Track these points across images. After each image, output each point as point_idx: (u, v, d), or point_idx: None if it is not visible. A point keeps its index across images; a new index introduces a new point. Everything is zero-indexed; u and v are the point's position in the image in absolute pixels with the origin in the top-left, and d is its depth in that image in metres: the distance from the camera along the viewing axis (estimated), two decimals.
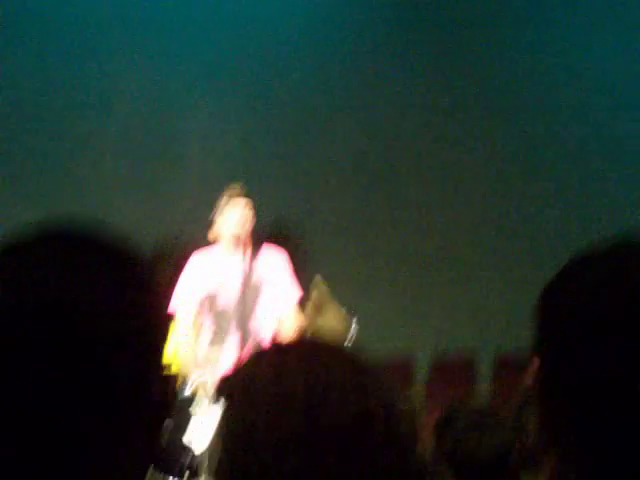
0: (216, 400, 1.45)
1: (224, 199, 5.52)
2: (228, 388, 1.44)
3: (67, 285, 0.93)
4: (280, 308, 5.50)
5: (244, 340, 5.25)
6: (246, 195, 5.52)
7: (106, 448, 0.94)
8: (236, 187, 5.57)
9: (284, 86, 10.26)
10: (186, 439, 4.96)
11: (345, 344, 2.28)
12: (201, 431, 4.27)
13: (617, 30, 10.69)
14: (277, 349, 1.49)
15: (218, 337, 5.40)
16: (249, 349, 5.09)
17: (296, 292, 5.62)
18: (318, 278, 5.81)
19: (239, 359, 5.09)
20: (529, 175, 10.48)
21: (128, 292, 0.98)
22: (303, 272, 9.13)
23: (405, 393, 8.80)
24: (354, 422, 1.35)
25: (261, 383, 1.38)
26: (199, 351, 5.36)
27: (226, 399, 1.42)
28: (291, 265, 5.72)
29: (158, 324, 1.02)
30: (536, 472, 2.28)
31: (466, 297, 10.07)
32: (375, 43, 10.42)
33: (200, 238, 9.14)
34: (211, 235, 5.57)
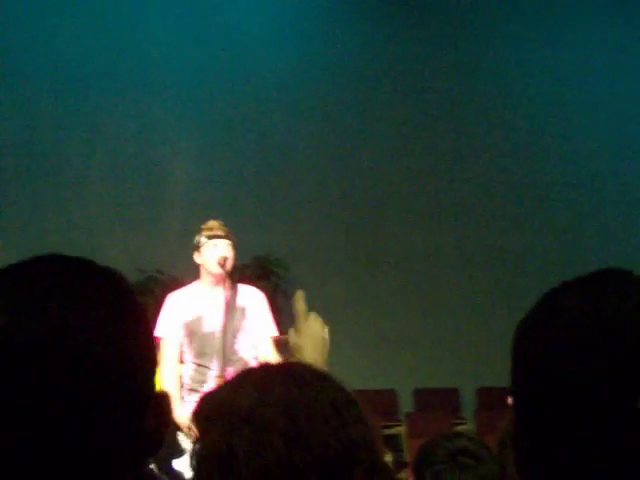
0: (193, 421, 1.39)
1: (202, 239, 5.47)
2: (207, 410, 1.38)
3: (61, 310, 0.94)
4: (257, 344, 5.48)
5: (227, 365, 5.22)
6: (226, 231, 5.47)
7: (100, 473, 0.93)
8: (214, 225, 5.52)
9: (269, 125, 10.31)
10: (177, 464, 4.92)
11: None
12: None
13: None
14: (260, 372, 1.46)
15: (201, 362, 5.36)
16: (231, 374, 5.04)
17: (273, 330, 5.60)
18: (300, 294, 5.79)
19: (221, 381, 5.05)
20: (518, 214, 10.55)
21: (122, 319, 0.99)
22: (283, 310, 9.15)
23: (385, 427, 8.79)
24: (336, 454, 1.32)
25: (242, 407, 1.34)
26: (183, 377, 5.34)
27: (204, 424, 1.37)
28: (269, 305, 5.70)
29: (149, 352, 1.02)
30: None
31: (448, 334, 10.09)
32: (362, 87, 10.50)
33: (182, 275, 9.18)
34: (197, 259, 5.54)
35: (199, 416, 1.40)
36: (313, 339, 2.31)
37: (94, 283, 1.01)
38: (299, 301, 2.37)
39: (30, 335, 0.92)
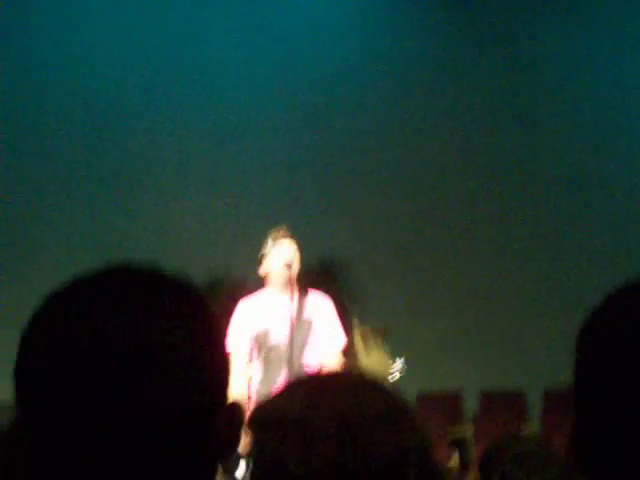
0: (247, 428, 1.38)
1: (269, 241, 5.49)
2: (260, 419, 1.40)
3: (136, 320, 0.96)
4: (325, 352, 5.46)
5: (293, 376, 5.22)
6: (291, 236, 5.48)
7: (173, 478, 0.96)
8: (280, 229, 5.54)
9: (334, 127, 10.32)
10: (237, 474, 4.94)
11: (388, 381, 2.28)
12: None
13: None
14: (312, 380, 1.48)
15: (269, 375, 5.37)
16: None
17: (341, 337, 5.58)
18: (356, 322, 5.80)
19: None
20: (577, 215, 10.43)
21: (196, 325, 1.01)
22: (347, 314, 9.16)
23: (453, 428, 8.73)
24: (387, 461, 1.31)
25: (293, 415, 1.34)
26: (251, 390, 5.36)
27: (257, 431, 1.38)
28: (337, 311, 5.68)
29: (222, 357, 1.04)
30: None
31: (514, 335, 10.00)
32: (424, 83, 10.47)
33: (247, 280, 9.24)
34: (262, 271, 5.54)
35: (253, 423, 1.40)
36: (376, 370, 2.33)
37: (167, 292, 1.03)
38: (358, 339, 2.38)
39: (108, 342, 0.95)
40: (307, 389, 1.42)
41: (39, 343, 0.97)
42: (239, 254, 9.38)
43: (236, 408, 1.06)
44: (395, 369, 5.65)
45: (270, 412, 1.40)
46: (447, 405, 9.50)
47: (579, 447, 1.04)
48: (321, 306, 5.57)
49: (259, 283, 5.70)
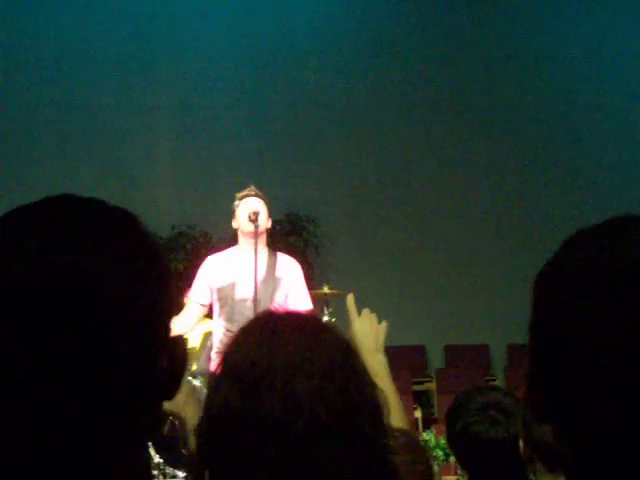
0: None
1: (236, 202, 5.49)
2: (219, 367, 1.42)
3: (78, 247, 0.92)
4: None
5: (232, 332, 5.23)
6: (258, 194, 5.47)
7: (114, 415, 0.92)
8: (249, 188, 5.54)
9: (301, 80, 10.30)
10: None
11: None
12: None
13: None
14: (268, 325, 1.48)
15: (232, 329, 5.37)
16: None
17: (308, 302, 5.60)
18: (351, 297, 5.79)
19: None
20: (549, 168, 10.49)
21: (136, 260, 0.96)
22: (313, 265, 9.20)
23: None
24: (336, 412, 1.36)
25: (245, 365, 1.37)
26: (214, 340, 5.38)
27: (213, 379, 1.41)
28: (310, 279, 5.69)
29: (165, 294, 0.99)
30: (548, 462, 2.22)
31: (478, 290, 10.08)
32: (395, 47, 10.45)
33: (212, 229, 9.26)
34: (233, 225, 5.54)
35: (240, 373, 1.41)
36: (368, 338, 2.34)
37: (109, 223, 0.99)
38: (350, 305, 2.38)
39: (42, 276, 0.90)
40: (262, 335, 1.43)
41: None
42: (205, 211, 9.40)
43: (178, 343, 1.01)
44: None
45: (228, 360, 1.42)
46: (412, 358, 9.57)
47: (534, 395, 1.04)
48: (290, 268, 5.58)
49: (224, 239, 5.69)
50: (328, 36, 10.40)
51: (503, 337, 9.77)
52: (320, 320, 1.53)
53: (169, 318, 1.01)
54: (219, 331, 5.41)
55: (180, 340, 1.02)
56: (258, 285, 5.33)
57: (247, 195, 5.46)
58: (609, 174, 10.43)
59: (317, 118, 10.29)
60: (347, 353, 1.42)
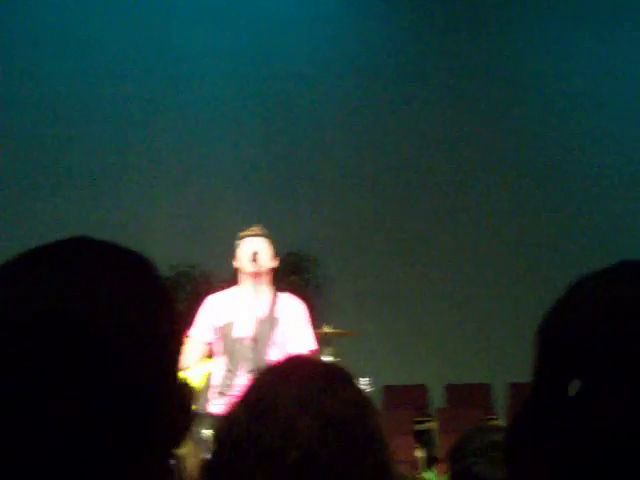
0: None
1: (237, 241, 5.48)
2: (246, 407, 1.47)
3: (82, 291, 0.91)
4: (294, 351, 5.42)
5: (257, 370, 5.19)
6: (263, 234, 5.45)
7: (121, 463, 0.90)
8: (254, 227, 5.53)
9: (300, 119, 10.33)
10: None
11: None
12: None
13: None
14: (283, 368, 1.58)
15: (232, 368, 5.35)
16: None
17: (312, 341, 5.54)
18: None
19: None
20: (554, 203, 10.49)
21: (146, 300, 0.95)
22: (315, 305, 9.17)
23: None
24: (356, 447, 1.43)
25: (270, 403, 1.44)
26: (214, 380, 5.35)
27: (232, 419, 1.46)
28: (310, 318, 5.64)
29: (173, 340, 0.98)
30: None
31: (480, 329, 10.06)
32: (396, 81, 10.49)
33: (213, 269, 9.26)
34: (234, 264, 5.52)
35: (250, 403, 1.50)
36: None
37: (121, 266, 0.98)
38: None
39: (50, 320, 0.89)
40: (276, 377, 1.53)
41: None
42: (206, 250, 9.40)
43: (186, 390, 0.99)
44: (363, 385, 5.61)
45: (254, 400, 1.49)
46: (413, 398, 9.54)
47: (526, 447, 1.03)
48: (290, 307, 5.54)
49: (225, 279, 5.69)
50: (328, 78, 10.44)
51: (505, 376, 9.74)
52: (345, 374, 1.57)
53: (175, 363, 0.99)
54: (219, 370, 5.39)
55: (187, 389, 1.00)
56: (257, 324, 5.31)
57: (248, 235, 5.47)
58: (619, 215, 10.44)
59: (318, 159, 10.32)
60: (361, 408, 1.49)
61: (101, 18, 10.18)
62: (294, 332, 5.42)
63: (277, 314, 5.42)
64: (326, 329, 5.73)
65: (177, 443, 0.98)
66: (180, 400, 0.98)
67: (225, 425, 1.46)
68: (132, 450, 0.92)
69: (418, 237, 10.33)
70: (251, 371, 5.21)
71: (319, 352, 5.60)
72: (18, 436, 0.88)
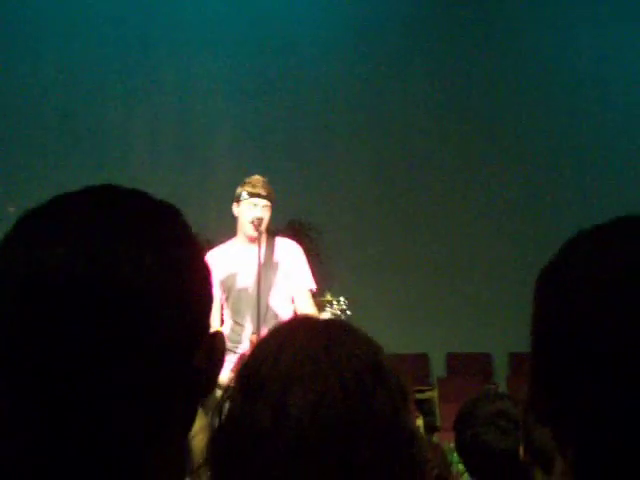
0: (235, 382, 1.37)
1: (244, 193, 5.42)
2: (247, 371, 1.37)
3: (116, 238, 0.89)
4: (294, 297, 5.46)
5: (261, 321, 5.20)
6: (268, 192, 5.41)
7: (145, 410, 0.90)
8: (258, 182, 5.46)
9: (305, 88, 10.31)
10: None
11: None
12: None
13: None
14: (297, 328, 1.43)
15: (237, 319, 5.36)
16: (266, 330, 5.08)
17: (310, 280, 5.57)
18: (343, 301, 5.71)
19: (255, 339, 5.06)
20: (552, 177, 10.48)
21: (175, 253, 0.93)
22: (316, 274, 9.17)
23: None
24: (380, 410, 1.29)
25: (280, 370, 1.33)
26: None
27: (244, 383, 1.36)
28: (304, 252, 5.66)
29: (204, 288, 0.97)
30: (547, 468, 2.21)
31: (481, 298, 10.07)
32: (399, 56, 10.46)
33: (215, 237, 9.24)
34: (234, 212, 5.50)
35: (243, 378, 1.38)
36: None
37: (149, 214, 0.97)
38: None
39: (78, 265, 0.88)
40: (287, 339, 1.40)
41: (1, 271, 0.90)
42: (206, 217, 9.38)
43: (217, 340, 0.99)
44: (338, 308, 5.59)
45: (258, 367, 1.37)
46: (414, 366, 9.56)
47: (536, 397, 1.03)
48: (289, 249, 5.58)
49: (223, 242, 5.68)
50: (333, 45, 10.40)
51: (505, 345, 9.76)
52: (347, 333, 1.42)
53: (207, 314, 0.98)
54: (227, 327, 5.39)
55: (218, 337, 0.99)
56: (258, 271, 5.32)
57: (257, 195, 5.42)
58: (614, 181, 10.42)
59: (321, 127, 10.30)
60: (362, 377, 1.35)
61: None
62: (294, 274, 5.45)
63: (276, 258, 5.44)
64: (328, 297, 5.73)
65: (206, 391, 0.98)
66: (210, 348, 0.97)
67: (222, 403, 1.37)
68: (159, 396, 0.92)
69: (420, 206, 10.32)
70: (253, 333, 5.22)
71: (318, 292, 5.63)
72: (60, 394, 0.88)
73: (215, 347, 0.98)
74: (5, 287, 0.89)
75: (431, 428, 8.62)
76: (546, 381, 1.01)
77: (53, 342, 0.87)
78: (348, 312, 5.43)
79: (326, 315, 5.32)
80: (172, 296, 0.91)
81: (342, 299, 5.50)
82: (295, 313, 5.35)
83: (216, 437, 1.36)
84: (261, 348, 1.41)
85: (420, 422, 8.68)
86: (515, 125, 10.56)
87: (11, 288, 0.88)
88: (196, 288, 0.96)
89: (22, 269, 0.89)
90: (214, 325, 5.24)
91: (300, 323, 1.47)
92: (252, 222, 5.34)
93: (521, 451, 2.23)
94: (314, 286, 5.55)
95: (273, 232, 5.67)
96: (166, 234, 0.96)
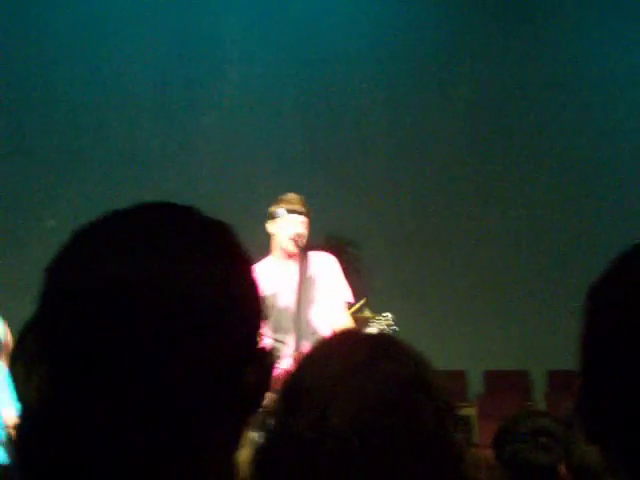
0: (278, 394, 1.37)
1: (281, 210, 5.45)
2: (294, 385, 1.38)
3: (166, 255, 0.91)
4: (332, 308, 5.47)
5: (301, 337, 5.22)
6: (306, 210, 5.43)
7: (197, 429, 0.91)
8: (295, 199, 5.48)
9: (344, 103, 10.31)
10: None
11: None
12: None
13: None
14: (343, 343, 1.43)
15: (279, 335, 5.37)
16: (307, 346, 5.10)
17: (347, 292, 5.58)
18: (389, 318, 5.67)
19: (297, 355, 5.09)
20: (581, 202, 10.41)
21: (227, 269, 0.95)
22: (355, 289, 9.17)
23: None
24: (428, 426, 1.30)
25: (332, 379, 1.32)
26: None
27: (293, 396, 1.36)
28: (342, 268, 5.67)
29: (255, 305, 0.98)
30: None
31: (519, 315, 10.01)
32: (439, 71, 10.45)
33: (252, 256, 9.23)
34: (269, 229, 5.51)
35: (286, 392, 1.38)
36: None
37: (203, 233, 0.99)
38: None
39: (136, 280, 0.90)
40: (340, 353, 1.39)
41: (61, 284, 0.92)
42: (246, 229, 9.40)
43: (267, 356, 1.00)
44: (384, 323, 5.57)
45: (308, 381, 1.38)
46: (451, 383, 9.50)
47: (584, 414, 1.01)
48: (324, 262, 5.59)
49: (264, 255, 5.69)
50: (374, 62, 10.40)
51: (544, 363, 9.70)
52: (392, 346, 1.42)
53: (257, 330, 1.00)
54: (267, 342, 5.41)
55: (268, 353, 1.01)
56: (297, 288, 5.33)
57: (296, 211, 5.44)
58: None
59: (360, 141, 10.30)
60: (406, 390, 1.35)
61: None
62: (331, 286, 5.46)
63: (313, 273, 5.45)
64: (367, 313, 5.73)
65: (254, 410, 0.99)
66: (260, 366, 0.98)
67: (265, 418, 1.36)
68: (213, 415, 0.93)
69: (459, 223, 10.29)
70: (294, 352, 5.24)
71: (354, 304, 5.63)
72: (107, 398, 0.90)
73: (265, 363, 1.00)
74: (66, 302, 0.91)
75: (469, 445, 8.58)
76: (596, 399, 0.99)
77: (111, 355, 0.89)
78: (395, 327, 5.43)
79: (372, 330, 5.32)
80: (224, 311, 0.93)
81: (388, 314, 5.50)
82: (332, 326, 5.36)
83: (261, 451, 1.36)
84: (305, 362, 1.43)
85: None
86: (556, 151, 10.50)
87: (72, 303, 0.90)
88: (247, 303, 0.97)
89: (83, 284, 0.90)
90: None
91: (344, 337, 1.49)
92: (293, 239, 5.36)
93: (562, 468, 2.22)
94: (351, 298, 5.55)
95: (307, 247, 5.69)
96: (218, 250, 0.98)
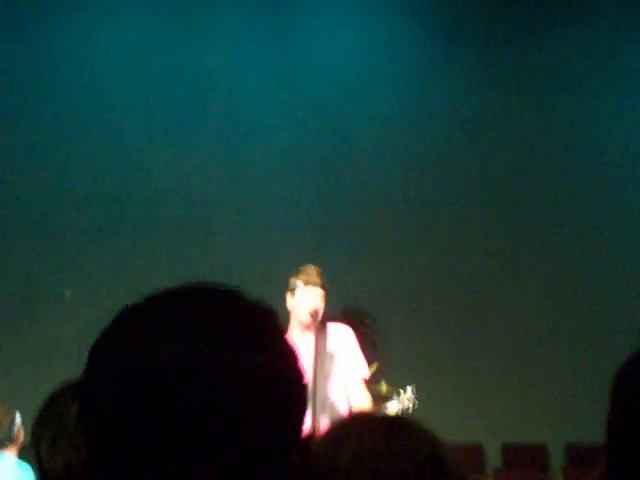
0: None
1: (299, 282, 5.46)
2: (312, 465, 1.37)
3: (212, 338, 0.91)
4: (348, 386, 5.44)
5: (317, 412, 5.19)
6: (323, 282, 5.44)
7: None
8: (313, 271, 5.49)
9: (359, 172, 10.34)
10: None
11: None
12: None
13: None
14: (359, 425, 1.44)
15: None
16: (324, 421, 5.08)
17: (364, 370, 5.56)
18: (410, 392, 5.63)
19: (314, 431, 5.06)
20: (602, 266, 10.36)
21: (273, 347, 0.96)
22: (371, 360, 9.12)
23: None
24: None
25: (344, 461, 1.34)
26: None
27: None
28: (358, 341, 5.65)
29: (298, 390, 0.98)
30: None
31: (536, 388, 9.93)
32: (460, 136, 10.50)
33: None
34: (288, 304, 5.48)
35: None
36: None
37: (245, 313, 1.00)
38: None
39: (184, 364, 0.90)
40: (357, 435, 1.41)
41: (105, 366, 0.92)
42: (265, 296, 9.38)
43: (311, 443, 1.01)
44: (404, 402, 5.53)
45: (322, 462, 1.38)
46: (468, 456, 9.42)
47: None
48: (342, 336, 5.58)
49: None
50: (386, 128, 10.43)
51: (561, 435, 9.60)
52: (407, 428, 1.45)
53: (302, 416, 1.00)
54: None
55: (311, 440, 1.05)
56: (315, 364, 5.31)
57: (312, 283, 5.45)
58: None
59: (375, 212, 10.30)
60: (421, 470, 1.36)
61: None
62: (348, 362, 5.43)
63: (331, 346, 5.43)
64: (383, 386, 5.73)
65: None
66: (303, 451, 0.99)
67: None
68: None
69: (476, 294, 10.24)
70: (310, 427, 5.22)
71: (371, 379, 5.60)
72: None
73: (309, 450, 1.00)
74: (111, 384, 0.91)
75: None
76: (624, 475, 1.00)
77: (158, 438, 0.89)
78: (416, 400, 5.41)
79: (393, 404, 5.30)
80: (270, 396, 0.93)
81: (408, 388, 5.48)
82: (349, 402, 5.34)
83: None
84: (321, 443, 1.43)
85: None
86: (578, 213, 10.47)
87: (117, 386, 0.90)
88: (292, 389, 0.98)
89: (128, 366, 0.91)
90: None
91: (360, 419, 1.51)
92: (310, 312, 5.37)
93: None
94: (367, 374, 5.54)
95: (324, 318, 5.70)
96: (264, 334, 0.98)
